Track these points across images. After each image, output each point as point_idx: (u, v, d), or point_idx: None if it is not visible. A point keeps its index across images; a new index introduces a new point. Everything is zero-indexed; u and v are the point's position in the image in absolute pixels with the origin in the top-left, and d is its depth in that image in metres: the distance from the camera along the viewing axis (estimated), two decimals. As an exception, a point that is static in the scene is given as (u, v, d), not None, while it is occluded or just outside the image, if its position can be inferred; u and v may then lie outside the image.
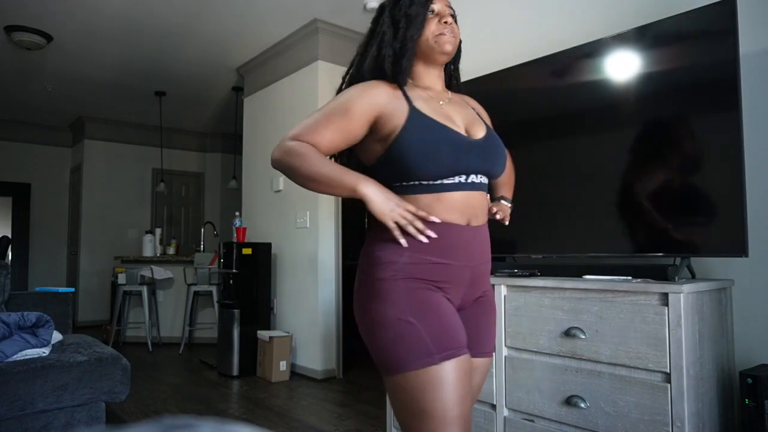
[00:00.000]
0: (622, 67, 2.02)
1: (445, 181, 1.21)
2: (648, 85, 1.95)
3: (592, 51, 2.09)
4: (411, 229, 1.15)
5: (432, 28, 1.29)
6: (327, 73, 4.38)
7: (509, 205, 1.57)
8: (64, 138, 7.80)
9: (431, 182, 1.21)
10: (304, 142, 1.22)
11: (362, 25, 4.35)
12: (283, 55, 4.76)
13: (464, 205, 1.23)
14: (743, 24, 1.87)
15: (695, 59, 1.84)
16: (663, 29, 1.91)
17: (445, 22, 1.30)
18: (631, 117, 2.01)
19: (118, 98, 6.40)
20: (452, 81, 1.42)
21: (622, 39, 2.01)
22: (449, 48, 1.30)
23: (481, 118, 1.37)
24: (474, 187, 1.25)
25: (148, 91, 6.14)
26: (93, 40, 4.69)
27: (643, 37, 1.95)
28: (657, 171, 1.94)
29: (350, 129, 1.23)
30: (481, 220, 1.28)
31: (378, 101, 1.23)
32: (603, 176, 2.08)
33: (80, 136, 7.39)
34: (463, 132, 1.27)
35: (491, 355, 1.36)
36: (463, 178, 1.23)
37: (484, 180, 1.29)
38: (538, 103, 2.28)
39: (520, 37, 2.75)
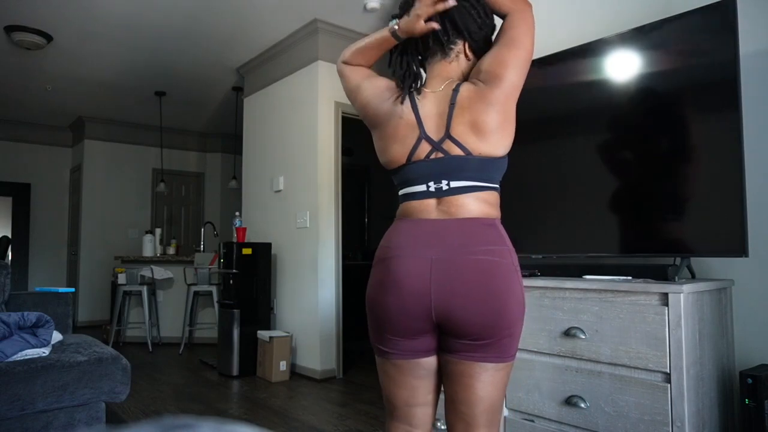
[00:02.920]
0: (622, 67, 2.02)
1: None
2: (648, 85, 1.95)
3: (592, 51, 2.09)
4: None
5: None
6: (327, 73, 4.38)
7: None
8: (64, 138, 7.80)
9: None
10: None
11: (362, 25, 4.35)
12: (283, 55, 4.76)
13: None
14: (743, 24, 1.88)
15: (695, 59, 1.84)
16: (663, 29, 1.91)
17: None
18: (631, 117, 2.01)
19: (118, 98, 6.40)
20: None
21: (622, 39, 2.01)
22: None
23: None
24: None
25: (148, 91, 6.14)
26: (93, 40, 4.69)
27: (643, 37, 1.95)
28: (657, 171, 1.94)
29: None
30: None
31: None
32: (603, 176, 2.08)
33: (80, 136, 7.39)
34: None
35: None
36: None
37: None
38: (537, 103, 2.28)
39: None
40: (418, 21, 1.27)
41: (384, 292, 1.26)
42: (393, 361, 1.31)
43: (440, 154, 1.25)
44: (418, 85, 1.31)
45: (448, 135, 1.24)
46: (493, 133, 1.23)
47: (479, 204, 1.24)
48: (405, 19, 1.30)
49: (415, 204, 1.29)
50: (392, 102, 1.32)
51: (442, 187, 1.25)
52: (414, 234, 1.25)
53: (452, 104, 1.25)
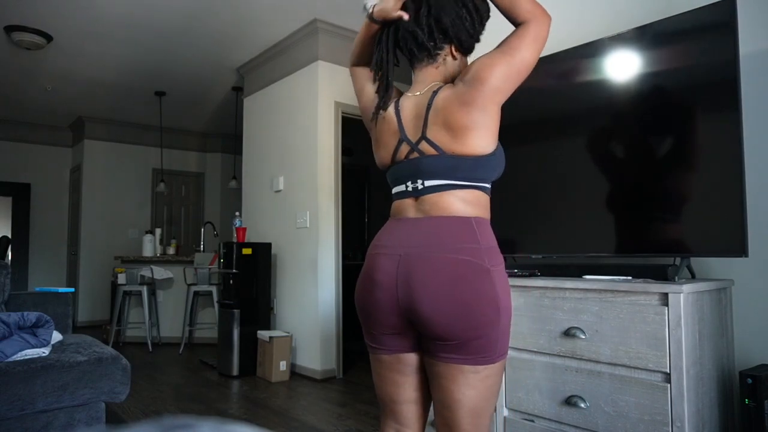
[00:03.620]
0: (622, 67, 2.02)
1: None
2: (648, 85, 1.95)
3: (592, 51, 2.09)
4: None
5: None
6: (327, 73, 4.38)
7: None
8: (64, 138, 7.80)
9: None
10: None
11: (362, 25, 4.35)
12: (283, 55, 4.76)
13: None
14: (743, 24, 1.88)
15: (695, 59, 1.84)
16: (663, 29, 1.91)
17: None
18: (631, 117, 2.01)
19: (118, 98, 6.40)
20: None
21: (622, 39, 2.01)
22: None
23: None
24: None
25: (148, 91, 6.14)
26: (93, 40, 4.69)
27: (643, 37, 1.95)
28: (657, 171, 1.94)
29: None
30: None
31: None
32: (603, 176, 2.08)
33: (80, 136, 7.39)
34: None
35: None
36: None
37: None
38: (537, 103, 2.28)
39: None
40: (395, 7, 1.33)
41: (364, 288, 1.31)
42: (378, 356, 1.36)
43: (416, 155, 1.29)
44: (388, 100, 1.36)
45: (423, 136, 1.27)
46: (466, 131, 1.23)
47: (456, 202, 1.25)
48: (380, 2, 1.35)
49: (398, 203, 1.34)
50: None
51: (417, 186, 1.28)
52: (395, 232, 1.30)
53: (429, 106, 1.28)
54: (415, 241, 1.24)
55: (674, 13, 1.90)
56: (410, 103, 1.33)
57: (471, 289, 1.18)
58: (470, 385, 1.21)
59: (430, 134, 1.26)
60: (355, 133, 4.63)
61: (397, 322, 1.26)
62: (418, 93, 1.33)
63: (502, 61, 1.22)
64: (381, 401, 1.40)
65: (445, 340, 1.20)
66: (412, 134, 1.30)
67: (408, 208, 1.31)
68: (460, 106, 1.23)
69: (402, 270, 1.22)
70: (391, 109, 1.35)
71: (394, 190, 1.36)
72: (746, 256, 1.67)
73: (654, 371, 1.65)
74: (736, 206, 1.69)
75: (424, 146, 1.27)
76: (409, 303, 1.21)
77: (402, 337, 1.29)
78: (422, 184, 1.27)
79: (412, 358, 1.32)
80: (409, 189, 1.30)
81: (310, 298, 4.29)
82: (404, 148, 1.31)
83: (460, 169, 1.25)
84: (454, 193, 1.25)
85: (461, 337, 1.18)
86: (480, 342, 1.19)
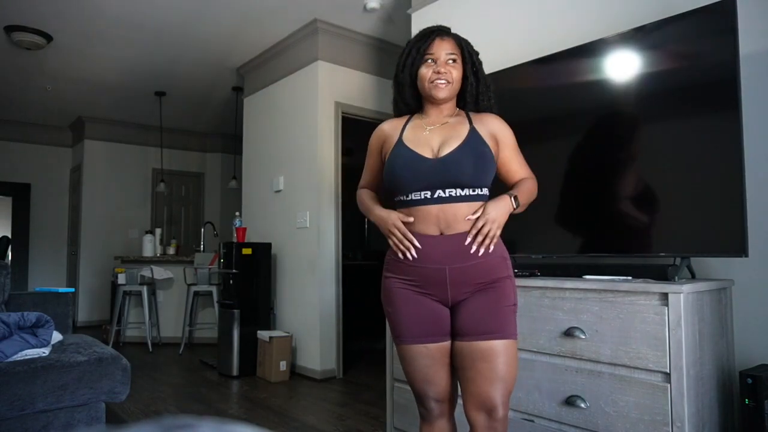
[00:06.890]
0: (622, 67, 2.02)
1: (413, 197, 1.48)
2: (648, 85, 1.95)
3: (592, 51, 2.09)
4: (401, 247, 1.51)
5: (426, 75, 1.52)
6: (327, 73, 4.38)
7: (500, 204, 1.53)
8: (64, 138, 7.79)
9: (402, 198, 1.52)
10: (360, 189, 1.75)
11: (362, 25, 4.35)
12: (283, 55, 4.76)
13: (433, 217, 1.43)
14: (743, 24, 1.87)
15: (695, 59, 1.84)
16: (663, 29, 1.91)
17: (438, 71, 1.52)
18: (631, 117, 2.01)
19: (118, 98, 6.40)
20: (476, 103, 1.62)
21: (622, 39, 2.01)
22: (439, 94, 1.53)
23: (472, 133, 1.53)
24: (441, 200, 1.45)
25: (148, 91, 6.14)
26: (93, 40, 4.69)
27: (642, 37, 1.95)
28: (657, 171, 1.94)
29: (372, 164, 1.68)
30: (455, 229, 1.46)
31: (380, 134, 1.64)
32: (603, 176, 2.08)
33: (80, 136, 7.39)
34: (430, 154, 1.47)
35: (497, 337, 1.46)
36: (428, 194, 1.46)
37: (456, 192, 1.46)
38: (537, 103, 2.29)
39: (520, 37, 2.75)
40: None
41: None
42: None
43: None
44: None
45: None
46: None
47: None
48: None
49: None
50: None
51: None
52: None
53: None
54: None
55: (674, 14, 1.90)
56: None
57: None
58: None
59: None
60: (355, 133, 4.63)
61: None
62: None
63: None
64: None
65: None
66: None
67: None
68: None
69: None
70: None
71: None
72: (746, 256, 1.68)
73: (654, 371, 1.65)
74: (736, 206, 1.69)
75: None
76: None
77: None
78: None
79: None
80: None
81: (310, 298, 4.29)
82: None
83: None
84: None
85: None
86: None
